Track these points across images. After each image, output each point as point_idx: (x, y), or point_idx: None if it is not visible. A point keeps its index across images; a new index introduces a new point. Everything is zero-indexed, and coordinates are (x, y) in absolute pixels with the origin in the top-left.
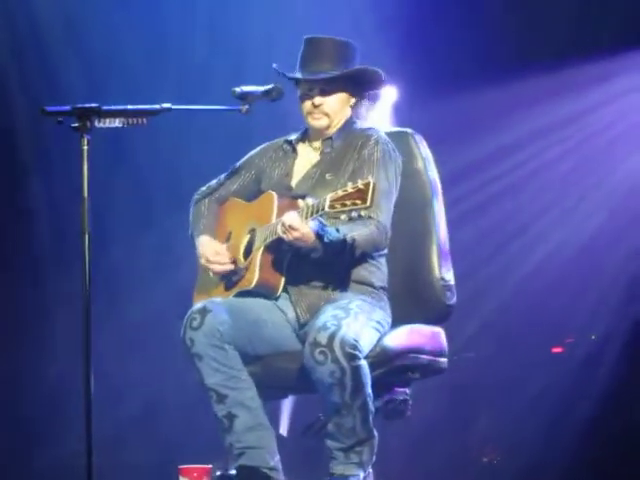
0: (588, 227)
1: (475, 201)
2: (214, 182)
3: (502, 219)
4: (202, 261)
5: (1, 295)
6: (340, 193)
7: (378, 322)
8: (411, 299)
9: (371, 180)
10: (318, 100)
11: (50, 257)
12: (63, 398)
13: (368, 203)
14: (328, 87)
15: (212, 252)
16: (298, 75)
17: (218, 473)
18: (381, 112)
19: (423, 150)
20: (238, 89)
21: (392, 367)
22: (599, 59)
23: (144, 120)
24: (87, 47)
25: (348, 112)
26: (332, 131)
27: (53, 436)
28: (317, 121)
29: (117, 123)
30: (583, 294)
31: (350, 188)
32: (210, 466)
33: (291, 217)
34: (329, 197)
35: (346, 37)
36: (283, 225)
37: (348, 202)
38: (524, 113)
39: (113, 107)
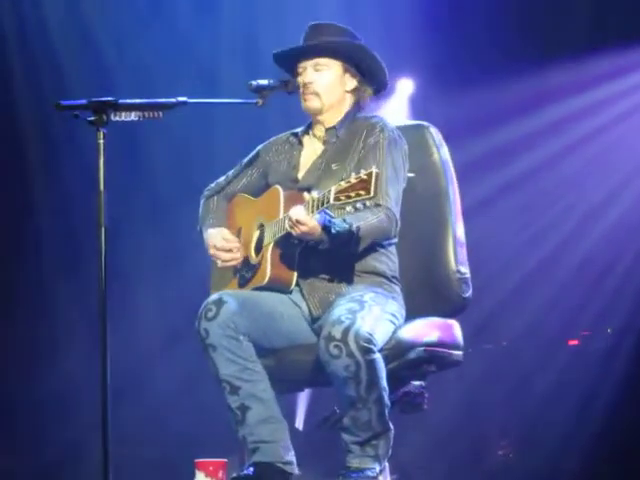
0: (604, 221)
1: (491, 192)
2: (222, 179)
3: (517, 211)
4: (210, 251)
5: (16, 292)
6: (344, 185)
7: (392, 314)
8: (427, 291)
9: (374, 170)
10: (308, 77)
11: (63, 253)
12: (78, 394)
13: (372, 193)
14: (319, 64)
15: (219, 239)
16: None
17: (234, 475)
18: (397, 105)
19: (439, 143)
20: (254, 82)
21: (407, 360)
22: (613, 54)
23: (160, 114)
24: (96, 42)
25: (348, 100)
26: (328, 116)
27: (68, 430)
28: (308, 102)
29: (133, 117)
30: (599, 287)
31: (353, 179)
32: (225, 460)
33: (297, 212)
34: (333, 189)
35: (362, 28)
36: (290, 220)
37: (352, 193)
38: (540, 106)
39: (129, 100)
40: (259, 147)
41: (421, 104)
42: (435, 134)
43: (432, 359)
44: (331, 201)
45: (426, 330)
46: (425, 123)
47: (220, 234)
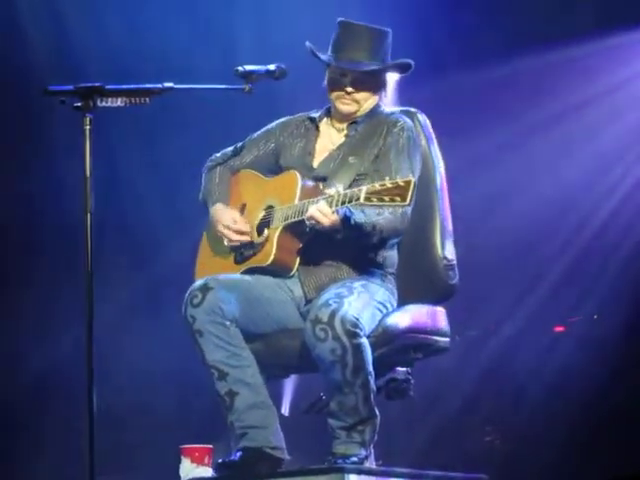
0: (593, 205)
1: (485, 177)
2: (229, 150)
3: (503, 196)
4: (219, 227)
5: (6, 277)
6: (378, 187)
7: (381, 303)
8: (414, 278)
9: (412, 179)
10: (351, 88)
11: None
12: (64, 378)
13: (407, 202)
14: (363, 77)
15: (230, 219)
16: (334, 61)
17: (220, 461)
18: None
19: (426, 129)
20: (241, 68)
21: (394, 346)
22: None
23: (147, 99)
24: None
25: (376, 98)
26: (358, 115)
27: (53, 416)
28: (346, 106)
29: (120, 102)
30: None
31: (389, 183)
32: (211, 446)
33: (320, 212)
34: (365, 189)
35: (349, 14)
36: (312, 217)
37: (386, 197)
38: (529, 91)
39: (116, 86)
40: (272, 124)
41: (408, 90)
42: (423, 120)
43: (419, 346)
44: (361, 200)
45: (413, 317)
46: (413, 109)
47: (230, 214)
